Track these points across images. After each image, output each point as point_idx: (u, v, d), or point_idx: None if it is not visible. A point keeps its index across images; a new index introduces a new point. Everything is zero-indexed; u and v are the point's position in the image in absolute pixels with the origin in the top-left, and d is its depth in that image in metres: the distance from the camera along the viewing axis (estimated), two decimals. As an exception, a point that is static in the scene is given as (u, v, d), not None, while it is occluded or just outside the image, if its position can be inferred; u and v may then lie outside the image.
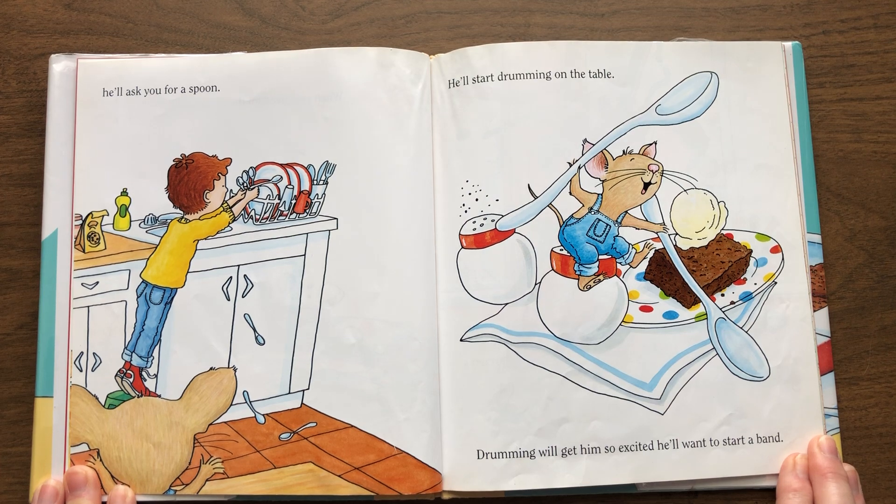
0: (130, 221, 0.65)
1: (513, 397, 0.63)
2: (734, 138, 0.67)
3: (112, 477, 0.62)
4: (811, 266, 0.66)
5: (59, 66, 0.67)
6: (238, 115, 0.66)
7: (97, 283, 0.64)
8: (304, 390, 0.63)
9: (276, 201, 0.65)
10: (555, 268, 0.65)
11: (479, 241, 0.65)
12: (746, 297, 0.65)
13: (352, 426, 0.63)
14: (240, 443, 0.63)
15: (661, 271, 0.65)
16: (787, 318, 0.65)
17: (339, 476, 0.62)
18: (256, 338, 0.64)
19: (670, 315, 0.65)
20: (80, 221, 0.65)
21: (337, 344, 0.64)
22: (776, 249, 0.66)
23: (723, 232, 0.66)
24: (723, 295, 0.65)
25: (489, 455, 0.62)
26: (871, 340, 0.66)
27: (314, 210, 0.65)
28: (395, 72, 0.66)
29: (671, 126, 0.67)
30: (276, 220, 0.65)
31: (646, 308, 0.65)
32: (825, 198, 0.68)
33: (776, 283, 0.65)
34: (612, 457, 0.63)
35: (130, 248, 0.65)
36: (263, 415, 0.63)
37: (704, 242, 0.66)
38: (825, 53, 0.70)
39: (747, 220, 0.66)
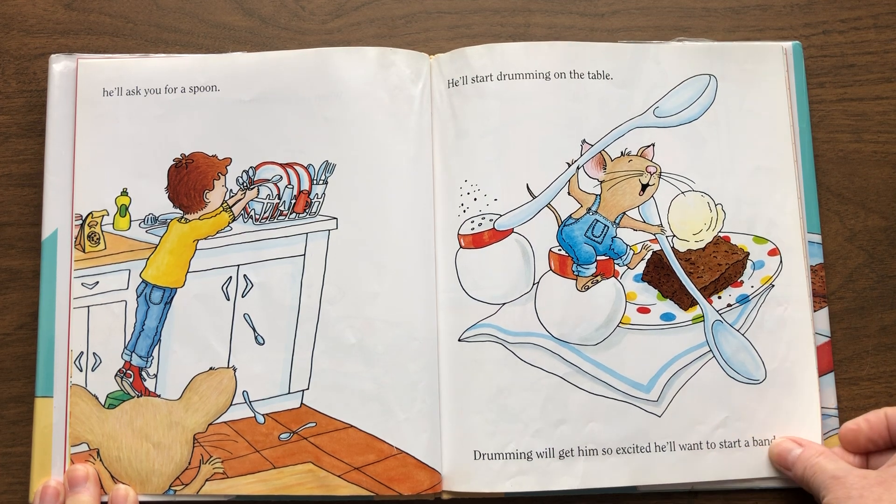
0: (130, 221, 0.65)
1: (510, 398, 0.63)
2: (732, 141, 0.67)
3: (112, 477, 0.62)
4: (811, 266, 0.66)
5: (59, 66, 0.67)
6: (238, 114, 0.66)
7: (97, 282, 0.64)
8: (303, 390, 0.63)
9: (276, 201, 0.65)
10: (553, 268, 0.65)
11: (477, 241, 0.65)
12: (743, 299, 0.65)
13: (351, 426, 0.63)
14: (239, 443, 0.63)
15: (658, 273, 0.65)
16: (784, 321, 0.65)
17: (339, 476, 0.62)
18: (256, 338, 0.64)
19: (668, 317, 0.65)
20: (80, 221, 0.65)
21: (337, 344, 0.63)
22: (774, 252, 0.66)
23: (720, 234, 0.66)
24: (720, 297, 0.65)
25: (486, 456, 0.62)
26: (871, 340, 0.66)
27: (314, 210, 0.65)
28: (395, 72, 0.66)
29: (669, 128, 0.67)
30: (275, 220, 0.65)
31: (643, 309, 0.65)
32: (825, 198, 0.68)
33: (773, 286, 0.65)
34: (610, 459, 0.63)
35: (130, 248, 0.65)
36: (263, 415, 0.63)
37: (701, 245, 0.66)
38: (825, 53, 0.69)
39: (745, 223, 0.66)
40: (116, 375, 0.64)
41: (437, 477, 0.62)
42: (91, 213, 0.65)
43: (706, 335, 0.64)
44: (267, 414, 0.63)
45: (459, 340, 0.64)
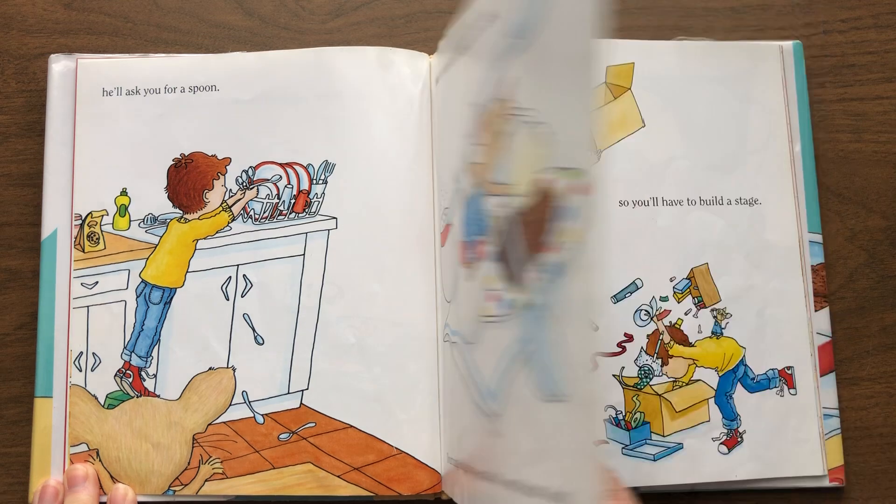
0: (130, 221, 0.65)
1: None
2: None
3: (111, 477, 0.62)
4: (812, 266, 0.65)
5: (59, 66, 0.67)
6: (238, 114, 0.66)
7: (97, 282, 0.64)
8: (303, 390, 0.63)
9: (276, 201, 0.65)
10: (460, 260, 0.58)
11: (443, 239, 0.63)
12: (557, 269, 0.43)
13: (351, 426, 0.63)
14: (239, 443, 0.63)
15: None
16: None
17: (339, 476, 0.62)
18: (255, 338, 0.64)
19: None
20: (80, 221, 0.65)
21: (336, 344, 0.63)
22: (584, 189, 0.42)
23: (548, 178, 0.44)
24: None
25: None
26: (871, 340, 0.66)
27: (313, 209, 0.65)
28: (395, 71, 0.66)
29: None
30: (275, 220, 0.65)
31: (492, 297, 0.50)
32: (825, 198, 0.68)
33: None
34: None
35: (130, 248, 0.65)
36: (262, 415, 0.63)
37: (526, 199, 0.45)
38: (825, 53, 0.69)
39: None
40: (116, 375, 0.64)
41: (436, 477, 0.62)
42: (91, 213, 0.65)
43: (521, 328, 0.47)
44: (266, 414, 0.63)
45: (445, 341, 0.63)
